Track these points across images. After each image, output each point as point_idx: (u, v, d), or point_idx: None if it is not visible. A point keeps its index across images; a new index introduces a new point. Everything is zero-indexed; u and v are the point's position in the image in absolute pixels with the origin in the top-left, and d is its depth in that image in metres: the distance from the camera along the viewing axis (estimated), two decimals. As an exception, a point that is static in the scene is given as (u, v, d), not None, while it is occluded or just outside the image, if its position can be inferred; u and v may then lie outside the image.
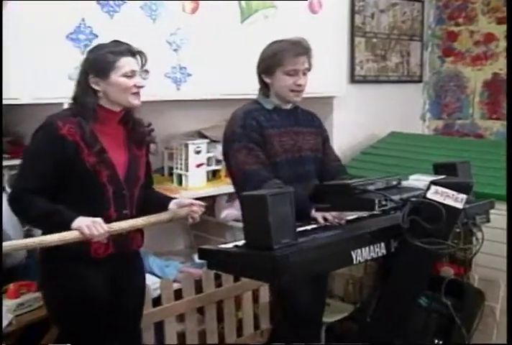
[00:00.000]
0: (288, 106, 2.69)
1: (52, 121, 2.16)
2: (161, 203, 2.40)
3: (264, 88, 2.64)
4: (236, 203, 3.60)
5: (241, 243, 2.08)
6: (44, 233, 2.15)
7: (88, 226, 2.08)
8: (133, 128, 2.33)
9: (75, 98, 2.23)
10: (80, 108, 2.19)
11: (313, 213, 2.42)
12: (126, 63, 2.21)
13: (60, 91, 2.63)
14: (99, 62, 2.18)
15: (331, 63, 3.83)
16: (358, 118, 4.17)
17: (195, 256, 3.61)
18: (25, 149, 2.22)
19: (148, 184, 2.45)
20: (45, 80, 2.72)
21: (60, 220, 2.10)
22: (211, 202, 3.76)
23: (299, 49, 2.55)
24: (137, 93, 2.24)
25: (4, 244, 2.00)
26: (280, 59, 2.53)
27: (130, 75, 2.20)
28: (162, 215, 2.30)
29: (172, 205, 2.36)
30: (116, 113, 2.26)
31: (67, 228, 2.08)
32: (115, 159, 2.24)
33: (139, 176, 2.33)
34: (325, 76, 3.67)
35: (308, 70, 2.60)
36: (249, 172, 2.49)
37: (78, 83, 2.24)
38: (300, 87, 2.58)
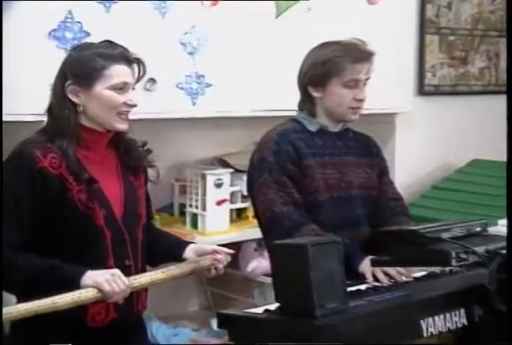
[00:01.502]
0: (337, 128, 2.68)
1: (27, 149, 2.14)
2: (172, 248, 2.38)
3: (309, 103, 2.63)
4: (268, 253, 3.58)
5: (273, 307, 2.05)
6: (22, 301, 2.06)
7: (108, 280, 2.05)
8: (126, 152, 2.33)
9: (49, 110, 2.23)
10: (58, 126, 2.18)
11: (363, 266, 2.40)
12: (118, 72, 2.18)
13: (39, 105, 2.64)
14: (82, 66, 2.17)
15: (393, 70, 3.83)
16: (428, 141, 4.14)
17: (213, 322, 3.63)
18: None
19: (148, 219, 2.43)
20: (20, 91, 2.75)
21: (61, 278, 2.07)
22: (234, 250, 3.75)
23: (360, 53, 2.55)
24: (125, 113, 2.21)
25: (6, 309, 1.97)
26: (336, 66, 2.52)
27: (121, 87, 2.18)
28: (185, 267, 2.29)
29: (189, 252, 2.35)
30: (103, 134, 2.25)
31: (71, 287, 2.04)
32: (109, 194, 2.23)
33: (139, 213, 2.32)
34: (385, 86, 3.66)
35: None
36: (278, 216, 2.49)
37: (53, 88, 2.23)
38: (361, 102, 2.58)
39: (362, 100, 2.57)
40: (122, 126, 2.22)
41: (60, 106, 2.18)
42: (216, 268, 2.33)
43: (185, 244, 2.40)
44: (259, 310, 2.07)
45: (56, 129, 2.18)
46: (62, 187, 2.13)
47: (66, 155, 2.14)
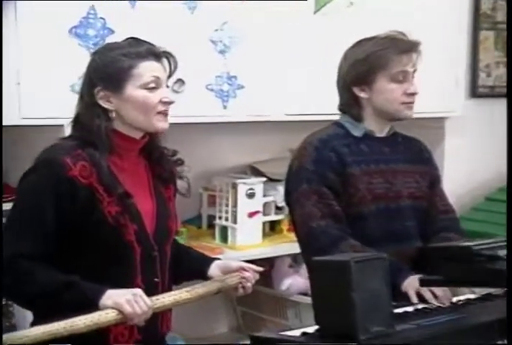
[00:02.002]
0: (384, 133, 2.67)
1: (56, 156, 2.15)
2: (196, 265, 2.39)
3: (355, 105, 2.62)
4: (304, 270, 3.57)
5: (312, 329, 2.03)
6: (42, 319, 2.07)
7: (129, 301, 2.05)
8: (158, 161, 2.34)
9: (77, 119, 2.24)
10: (88, 134, 2.18)
11: (406, 285, 2.39)
12: (148, 69, 2.19)
13: (59, 108, 2.67)
14: (109, 69, 2.18)
15: (442, 69, 3.81)
16: (481, 148, 4.10)
17: (244, 345, 3.63)
18: (17, 198, 2.21)
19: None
20: (38, 93, 2.77)
21: (79, 296, 2.07)
22: (267, 267, 3.75)
23: (404, 43, 2.56)
24: (165, 113, 2.23)
25: (22, 333, 1.97)
26: (380, 60, 2.53)
27: (153, 86, 2.19)
28: (210, 286, 2.29)
29: (214, 269, 2.35)
30: (137, 141, 2.26)
31: (89, 307, 2.04)
32: (141, 207, 2.24)
33: (170, 228, 2.34)
34: (433, 88, 3.64)
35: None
36: (314, 230, 2.50)
37: (80, 97, 2.25)
38: (413, 97, 2.58)
39: (413, 94, 2.57)
40: (163, 125, 2.23)
41: (91, 114, 2.19)
42: (243, 287, 2.33)
43: (210, 260, 2.41)
44: (296, 332, 2.05)
45: (87, 138, 2.18)
46: (92, 198, 2.15)
47: (98, 165, 2.15)
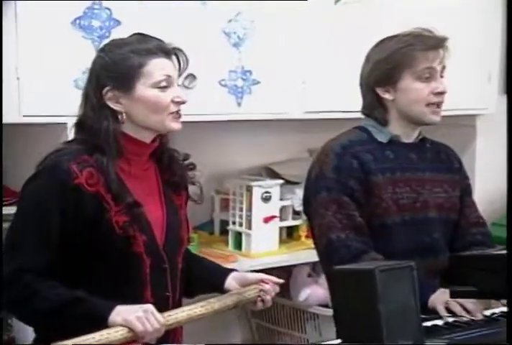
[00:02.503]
0: (411, 138, 2.67)
1: (61, 163, 2.14)
2: (211, 277, 2.39)
3: (380, 108, 2.63)
4: (323, 279, 3.57)
5: (335, 343, 2.05)
6: (45, 336, 2.11)
7: (140, 318, 2.05)
8: (169, 166, 2.34)
9: (82, 122, 2.23)
10: (96, 138, 2.18)
11: (433, 300, 2.39)
12: (158, 67, 2.19)
13: (62, 105, 2.69)
14: (118, 67, 2.18)
15: (474, 64, 3.81)
16: (517, 149, 4.09)
17: (259, 360, 3.64)
18: (19, 207, 2.21)
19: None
20: (39, 89, 2.79)
21: (87, 312, 2.08)
22: (284, 276, 3.75)
23: (430, 39, 2.55)
24: (177, 113, 2.24)
25: None
26: (405, 57, 2.53)
27: (165, 85, 2.19)
28: (226, 300, 2.29)
29: (231, 281, 2.35)
30: (147, 145, 2.26)
31: (97, 324, 2.05)
32: (151, 216, 2.25)
33: (182, 238, 2.34)
34: (464, 83, 3.65)
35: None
36: (334, 243, 2.49)
37: (85, 97, 2.23)
38: (441, 96, 2.57)
39: (441, 94, 2.56)
40: (177, 126, 2.23)
41: (98, 117, 2.18)
42: (262, 300, 2.33)
43: (226, 272, 2.40)
44: (319, 347, 2.09)
45: (94, 142, 2.18)
46: (99, 207, 2.15)
47: (106, 171, 2.15)
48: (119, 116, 2.19)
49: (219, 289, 2.35)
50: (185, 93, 2.28)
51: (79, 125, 2.23)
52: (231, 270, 2.42)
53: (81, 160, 2.15)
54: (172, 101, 2.20)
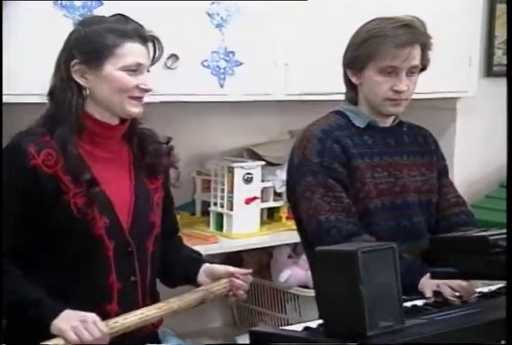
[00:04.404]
0: (388, 122, 2.67)
1: (20, 144, 2.16)
2: (186, 270, 2.38)
3: (351, 90, 2.64)
4: (304, 261, 3.57)
5: (315, 324, 2.04)
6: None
7: (75, 328, 2.02)
8: (139, 146, 2.33)
9: (51, 92, 2.24)
10: (59, 112, 2.18)
11: (422, 284, 2.39)
12: (132, 51, 2.19)
13: (43, 85, 2.63)
14: (92, 43, 2.18)
15: (455, 46, 3.79)
16: (496, 131, 4.09)
17: (239, 340, 3.63)
18: None
19: (170, 231, 2.44)
20: (19, 69, 2.74)
21: (37, 316, 2.08)
22: (265, 257, 3.75)
23: (405, 36, 2.51)
24: (139, 98, 2.22)
25: None
26: (371, 49, 2.52)
27: (134, 69, 2.19)
28: (188, 299, 2.26)
29: (201, 275, 2.35)
30: (113, 127, 2.25)
31: (45, 328, 2.05)
32: (115, 199, 2.24)
33: (152, 222, 2.33)
34: (445, 66, 3.62)
35: (423, 68, 2.59)
36: (324, 225, 2.49)
37: (56, 67, 2.24)
38: (399, 94, 2.55)
39: (399, 92, 2.53)
40: (136, 110, 2.22)
41: (63, 88, 2.20)
42: (234, 294, 2.31)
43: (199, 264, 2.38)
44: (298, 327, 2.07)
45: (57, 115, 2.19)
46: (57, 190, 2.15)
47: (65, 150, 2.14)
48: (84, 92, 2.19)
49: (194, 282, 2.34)
50: (167, 74, 2.26)
51: (49, 95, 2.24)
52: (205, 262, 2.39)
53: (40, 141, 2.15)
54: (138, 87, 2.19)
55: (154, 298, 2.32)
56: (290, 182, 2.65)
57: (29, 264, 2.16)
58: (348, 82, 2.63)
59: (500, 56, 4.13)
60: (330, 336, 1.91)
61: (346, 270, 1.86)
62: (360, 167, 2.56)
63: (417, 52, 2.54)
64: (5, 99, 2.72)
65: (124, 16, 2.25)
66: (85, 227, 2.17)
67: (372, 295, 1.85)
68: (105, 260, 2.20)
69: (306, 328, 2.05)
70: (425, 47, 2.57)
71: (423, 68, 2.60)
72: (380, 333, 1.86)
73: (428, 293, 2.34)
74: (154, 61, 2.28)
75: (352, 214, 2.51)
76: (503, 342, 1.98)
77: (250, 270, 2.37)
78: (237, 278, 2.30)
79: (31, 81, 2.73)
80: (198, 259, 2.43)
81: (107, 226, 2.19)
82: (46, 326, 2.05)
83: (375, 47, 2.51)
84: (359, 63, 2.56)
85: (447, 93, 3.88)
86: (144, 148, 2.32)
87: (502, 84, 4.12)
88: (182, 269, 2.40)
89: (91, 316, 2.06)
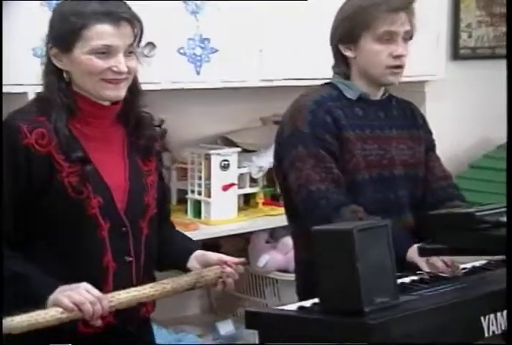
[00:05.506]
0: (378, 95, 2.69)
1: (12, 123, 2.14)
2: (177, 256, 2.37)
3: (343, 65, 2.64)
4: (281, 245, 3.59)
5: (309, 303, 2.05)
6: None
7: (69, 295, 2.02)
8: (135, 129, 2.32)
9: (41, 75, 2.24)
10: (47, 94, 2.18)
11: (412, 254, 2.39)
12: (99, 33, 2.13)
13: (21, 74, 2.66)
14: (60, 26, 2.16)
15: (421, 30, 3.78)
16: (464, 113, 4.15)
17: (220, 326, 3.64)
18: None
19: (162, 216, 2.43)
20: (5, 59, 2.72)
21: (26, 291, 2.08)
22: (242, 242, 3.76)
23: (395, 2, 2.54)
24: (114, 81, 2.17)
25: None
26: (366, 18, 2.53)
27: (103, 51, 2.14)
28: (181, 281, 2.26)
29: (193, 261, 2.33)
30: (106, 107, 2.23)
31: (37, 304, 2.03)
32: (109, 179, 2.23)
33: (147, 203, 2.31)
34: (411, 50, 3.62)
35: (411, 36, 2.61)
36: (314, 194, 2.50)
37: (46, 53, 2.24)
38: (400, 59, 2.57)
39: (400, 57, 2.56)
40: (111, 93, 2.18)
41: (46, 71, 2.20)
42: (224, 282, 2.29)
43: (191, 250, 2.37)
44: (293, 307, 2.07)
45: (46, 96, 2.18)
46: (51, 169, 2.13)
47: (57, 129, 2.13)
48: (65, 74, 2.19)
49: (184, 268, 2.32)
50: (144, 62, 2.25)
51: (42, 78, 2.24)
52: (196, 249, 2.38)
53: (33, 121, 2.14)
54: (109, 69, 2.15)
55: (150, 281, 2.31)
56: (279, 154, 2.64)
57: (23, 244, 2.14)
58: (340, 57, 2.63)
59: (465, 39, 4.16)
60: (327, 313, 1.92)
61: (342, 248, 1.87)
62: (351, 139, 2.57)
63: (409, 16, 2.57)
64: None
65: None
66: (79, 206, 2.16)
67: (367, 271, 1.87)
68: (99, 240, 2.19)
69: (301, 308, 2.05)
70: (413, 14, 2.59)
71: (411, 37, 2.61)
72: (377, 309, 1.87)
73: (423, 264, 2.36)
74: (135, 41, 2.19)
75: (341, 185, 2.52)
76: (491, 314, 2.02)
77: (243, 259, 2.37)
78: (229, 266, 2.29)
79: (10, 71, 2.71)
80: (190, 246, 2.40)
81: (101, 206, 2.18)
82: (43, 302, 2.04)
83: (371, 15, 2.52)
84: (353, 35, 2.56)
85: (416, 76, 3.88)
86: (139, 130, 2.31)
87: (469, 67, 4.20)
88: (172, 255, 2.38)
89: (83, 284, 2.06)
